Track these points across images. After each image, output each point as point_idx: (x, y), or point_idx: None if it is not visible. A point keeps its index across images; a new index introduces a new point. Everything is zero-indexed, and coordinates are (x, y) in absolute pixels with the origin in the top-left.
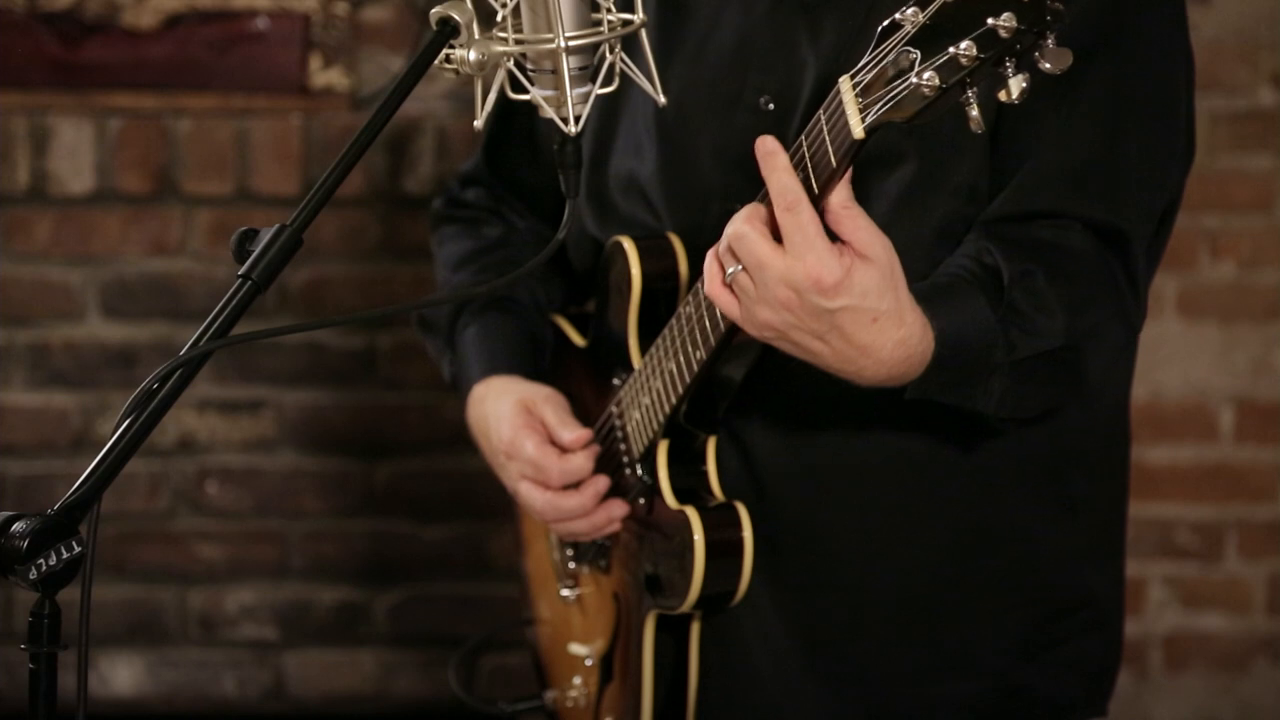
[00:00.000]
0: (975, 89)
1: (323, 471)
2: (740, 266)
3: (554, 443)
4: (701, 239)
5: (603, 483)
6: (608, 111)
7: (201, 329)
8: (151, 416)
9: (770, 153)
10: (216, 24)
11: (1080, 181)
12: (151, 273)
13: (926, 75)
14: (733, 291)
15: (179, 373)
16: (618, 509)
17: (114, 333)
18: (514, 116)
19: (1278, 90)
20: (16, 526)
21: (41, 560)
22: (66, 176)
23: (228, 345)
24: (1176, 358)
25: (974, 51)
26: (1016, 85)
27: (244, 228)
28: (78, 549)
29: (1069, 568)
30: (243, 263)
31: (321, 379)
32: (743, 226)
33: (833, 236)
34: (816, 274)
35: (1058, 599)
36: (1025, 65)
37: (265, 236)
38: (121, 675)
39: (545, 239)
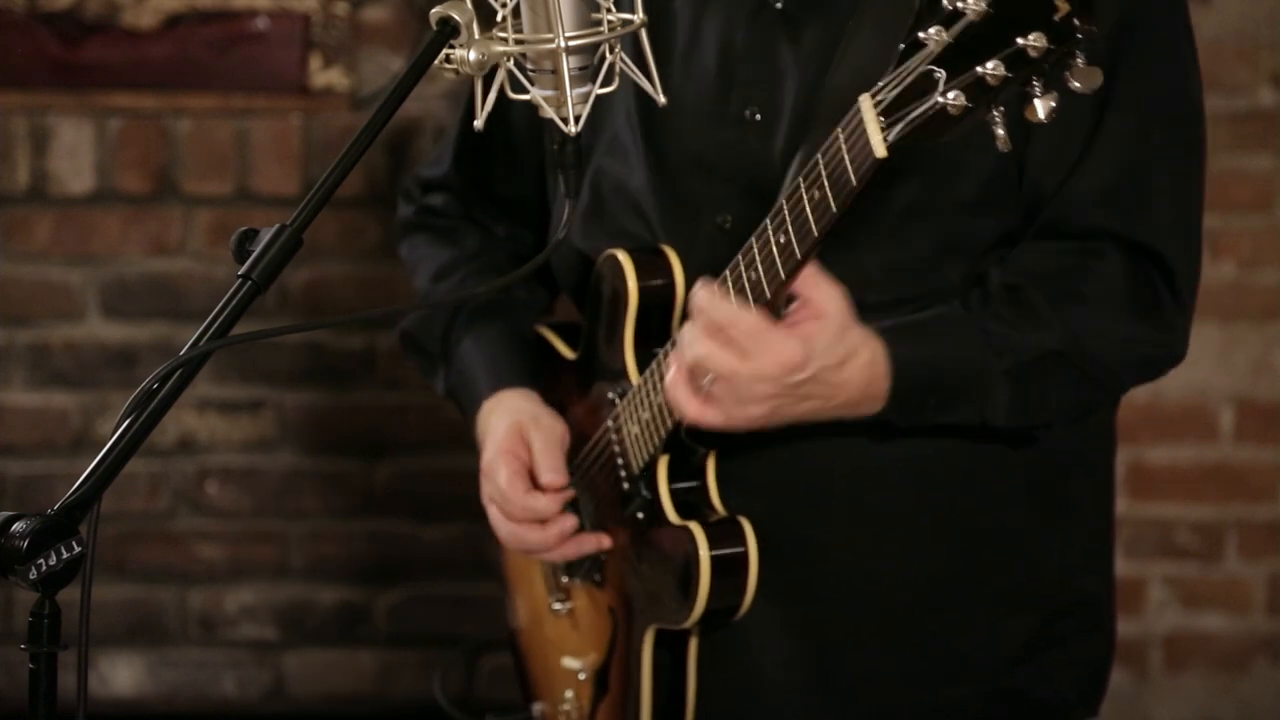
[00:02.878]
0: (1003, 108)
1: (323, 471)
2: (713, 377)
3: (531, 474)
4: (693, 251)
5: (569, 523)
6: (586, 123)
7: (201, 329)
8: (151, 416)
9: (701, 305)
10: (216, 24)
11: (1110, 200)
12: (151, 273)
13: (952, 95)
14: (710, 401)
15: (179, 373)
16: (589, 544)
17: (114, 333)
18: (491, 128)
19: (1278, 90)
20: (16, 526)
21: (41, 560)
22: (66, 176)
23: (228, 345)
24: None
25: (1001, 71)
26: (1044, 105)
27: (244, 228)
28: (78, 549)
29: (1065, 571)
30: (243, 263)
31: (321, 379)
32: (699, 349)
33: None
34: (784, 360)
35: (1055, 602)
36: (1054, 84)
37: (265, 236)
38: (121, 675)
39: (526, 245)
